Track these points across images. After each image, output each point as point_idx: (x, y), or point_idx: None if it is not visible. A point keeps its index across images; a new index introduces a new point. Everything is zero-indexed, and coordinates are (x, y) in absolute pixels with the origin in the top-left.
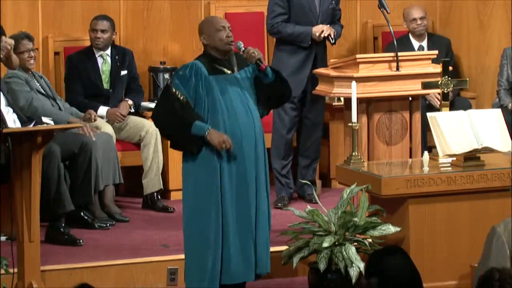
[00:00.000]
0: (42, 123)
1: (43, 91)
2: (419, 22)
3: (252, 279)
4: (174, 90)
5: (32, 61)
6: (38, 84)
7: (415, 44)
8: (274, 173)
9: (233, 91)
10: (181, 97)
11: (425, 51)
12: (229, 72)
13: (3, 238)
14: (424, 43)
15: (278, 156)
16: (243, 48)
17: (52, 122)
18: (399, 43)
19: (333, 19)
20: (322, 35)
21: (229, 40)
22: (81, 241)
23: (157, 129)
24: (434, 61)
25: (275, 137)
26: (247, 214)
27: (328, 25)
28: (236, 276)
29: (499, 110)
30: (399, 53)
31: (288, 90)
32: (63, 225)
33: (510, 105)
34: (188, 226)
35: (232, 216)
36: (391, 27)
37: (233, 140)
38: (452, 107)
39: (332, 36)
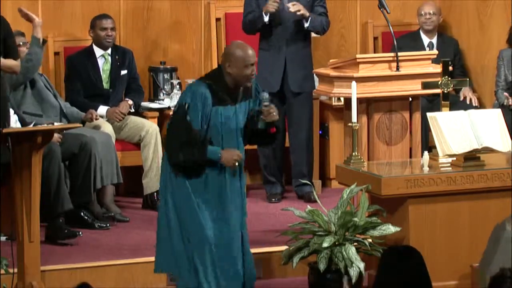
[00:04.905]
0: (43, 123)
1: None
2: (427, 16)
3: None
4: (187, 120)
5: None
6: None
7: (425, 40)
8: (262, 171)
9: (229, 123)
10: (193, 127)
11: (425, 51)
12: (230, 104)
13: (3, 238)
14: (434, 40)
15: (264, 154)
16: (267, 103)
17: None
18: (411, 38)
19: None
20: (290, 5)
21: (252, 77)
22: (80, 232)
23: (157, 129)
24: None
25: None
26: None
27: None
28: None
29: (499, 110)
30: (399, 53)
31: (269, 143)
32: (62, 223)
33: (511, 100)
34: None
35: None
36: (391, 27)
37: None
38: (455, 108)
39: (300, 13)
